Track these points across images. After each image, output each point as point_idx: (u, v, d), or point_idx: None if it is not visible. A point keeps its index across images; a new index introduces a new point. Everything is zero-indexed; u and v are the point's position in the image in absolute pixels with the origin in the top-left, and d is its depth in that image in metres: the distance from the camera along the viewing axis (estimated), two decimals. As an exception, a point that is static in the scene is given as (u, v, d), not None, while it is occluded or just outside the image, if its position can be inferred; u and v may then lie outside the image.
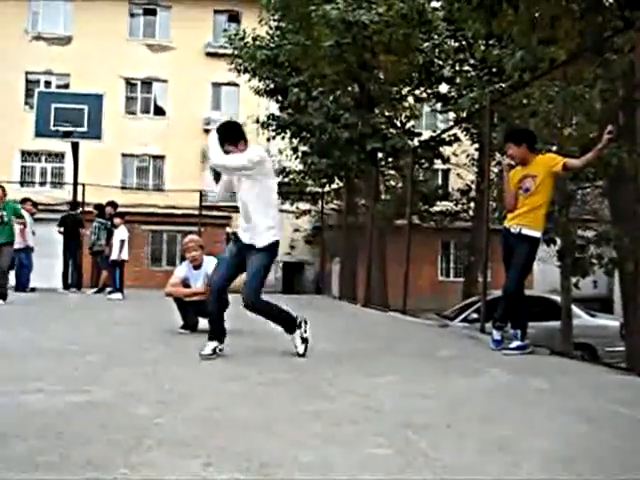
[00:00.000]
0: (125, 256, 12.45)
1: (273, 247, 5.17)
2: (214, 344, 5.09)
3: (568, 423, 3.30)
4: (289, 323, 5.25)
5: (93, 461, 2.44)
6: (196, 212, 23.05)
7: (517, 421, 3.29)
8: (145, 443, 2.68)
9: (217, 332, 5.16)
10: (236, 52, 18.64)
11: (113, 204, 13.63)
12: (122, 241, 12.34)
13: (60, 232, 14.02)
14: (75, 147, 15.73)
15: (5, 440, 2.69)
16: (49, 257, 14.36)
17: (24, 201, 13.71)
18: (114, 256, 12.39)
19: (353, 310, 12.28)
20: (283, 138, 19.08)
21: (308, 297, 16.74)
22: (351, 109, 16.38)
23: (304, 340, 5.17)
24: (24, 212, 12.52)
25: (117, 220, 12.73)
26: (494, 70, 13.96)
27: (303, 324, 5.24)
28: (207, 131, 27.63)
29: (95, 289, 13.54)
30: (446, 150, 19.76)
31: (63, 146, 19.44)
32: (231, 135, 5.17)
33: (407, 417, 3.26)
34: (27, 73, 26.98)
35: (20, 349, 5.32)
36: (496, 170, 11.95)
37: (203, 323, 6.80)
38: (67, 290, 13.77)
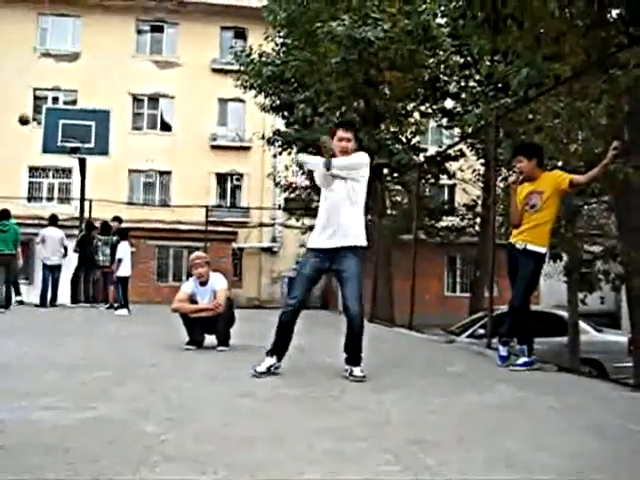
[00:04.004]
0: (124, 272, 12.47)
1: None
2: (271, 361, 5.03)
3: (577, 439, 3.29)
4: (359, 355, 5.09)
5: (101, 477, 2.44)
6: (202, 227, 23.13)
7: (525, 437, 3.28)
8: (153, 459, 2.68)
9: (276, 348, 5.09)
10: (242, 68, 18.75)
11: (118, 219, 13.74)
12: (119, 260, 12.40)
13: (76, 251, 14.20)
14: (82, 163, 15.82)
15: (14, 456, 2.70)
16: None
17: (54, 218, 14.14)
18: (116, 273, 12.50)
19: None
20: (289, 154, 19.15)
21: (314, 312, 16.71)
22: (357, 125, 16.44)
23: (364, 373, 4.96)
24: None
25: (116, 237, 12.94)
26: (500, 86, 13.99)
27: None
28: (213, 147, 27.86)
29: (107, 305, 13.58)
30: (452, 165, 19.82)
31: (70, 162, 19.54)
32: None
33: (415, 433, 3.25)
34: (35, 89, 27.17)
35: (29, 364, 5.33)
36: (502, 185, 11.97)
37: (209, 339, 6.81)
38: (75, 305, 13.87)
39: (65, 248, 14.04)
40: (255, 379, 4.81)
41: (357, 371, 4.96)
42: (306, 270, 5.12)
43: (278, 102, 18.82)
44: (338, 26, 14.21)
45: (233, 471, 2.56)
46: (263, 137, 20.07)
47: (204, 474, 2.50)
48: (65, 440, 2.95)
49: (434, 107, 19.13)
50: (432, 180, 20.09)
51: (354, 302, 4.98)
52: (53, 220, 14.18)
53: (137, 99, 28.19)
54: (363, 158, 5.16)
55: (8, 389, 4.20)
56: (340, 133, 5.16)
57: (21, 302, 13.87)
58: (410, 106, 18.25)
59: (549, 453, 2.95)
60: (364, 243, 5.11)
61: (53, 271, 13.86)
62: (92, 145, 15.50)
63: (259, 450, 2.88)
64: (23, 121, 14.73)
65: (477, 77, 16.87)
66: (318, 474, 2.54)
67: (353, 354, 5.05)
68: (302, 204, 21.18)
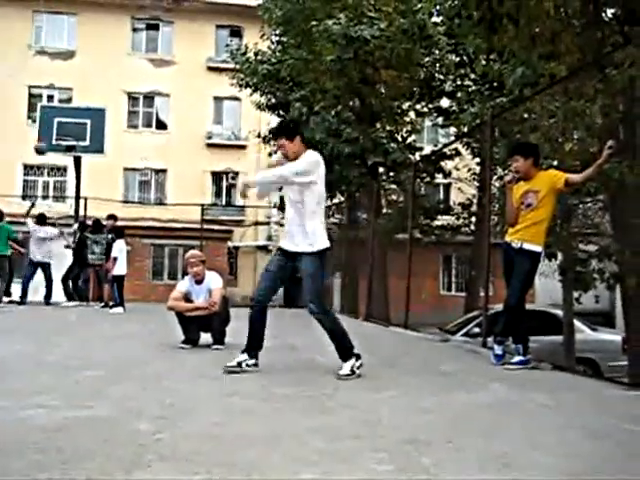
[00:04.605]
0: (119, 271, 12.43)
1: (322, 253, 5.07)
2: (242, 357, 5.08)
3: (571, 439, 3.29)
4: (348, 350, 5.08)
5: (94, 477, 2.43)
6: (197, 226, 23.10)
7: (519, 437, 3.28)
8: (146, 458, 2.67)
9: (248, 346, 5.13)
10: (238, 67, 18.74)
11: (113, 217, 13.69)
12: (114, 258, 12.38)
13: (69, 246, 14.12)
14: (77, 161, 15.76)
15: (5, 455, 2.68)
16: (53, 271, 14.36)
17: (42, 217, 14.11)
18: (112, 271, 12.47)
19: (354, 324, 12.23)
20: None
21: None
22: (352, 124, 16.43)
23: (352, 372, 4.95)
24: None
25: (111, 235, 12.92)
26: (495, 85, 14.00)
27: (359, 359, 5.06)
28: (209, 145, 27.84)
29: (102, 303, 13.51)
30: (447, 164, 19.81)
31: (65, 160, 19.52)
32: (286, 130, 5.16)
33: (409, 432, 3.25)
34: (30, 87, 27.10)
35: (22, 363, 5.31)
36: (497, 184, 11.96)
37: (205, 338, 6.81)
38: (70, 301, 13.79)
39: (68, 238, 14.01)
40: (247, 379, 4.81)
41: (344, 369, 4.96)
42: (270, 267, 5.18)
43: (274, 100, 18.81)
44: (334, 25, 14.20)
45: (227, 471, 2.55)
46: (259, 135, 20.05)
47: (197, 474, 2.49)
48: (58, 439, 2.94)
49: (430, 106, 19.12)
50: (427, 179, 20.11)
51: (309, 303, 5.01)
52: (41, 219, 14.09)
53: (132, 97, 28.13)
54: (303, 164, 5.00)
55: (0, 388, 4.18)
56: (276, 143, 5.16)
57: (11, 302, 13.77)
58: (406, 105, 18.24)
59: (544, 453, 2.95)
60: (312, 249, 5.01)
61: (44, 269, 13.80)
62: (87, 143, 15.44)
63: (253, 450, 2.87)
64: (39, 151, 14.48)
65: (473, 76, 16.86)
66: (313, 474, 2.54)
67: (337, 350, 5.10)
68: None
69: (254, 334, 5.12)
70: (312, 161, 5.03)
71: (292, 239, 5.08)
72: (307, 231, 5.01)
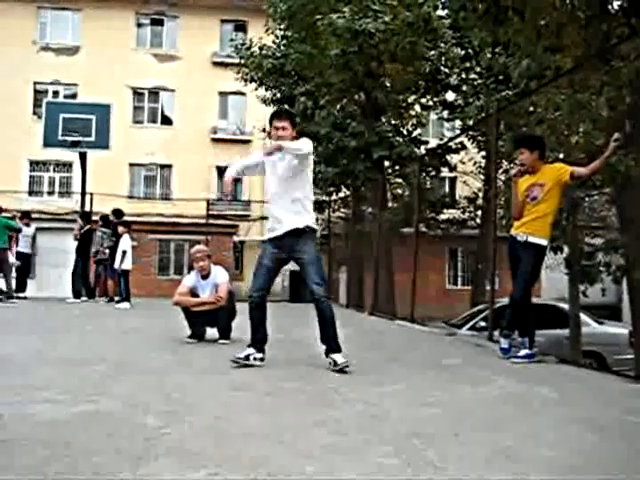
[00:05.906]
0: (127, 266, 12.44)
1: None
2: (249, 350, 5.12)
3: (576, 432, 3.29)
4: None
5: (100, 471, 2.44)
6: (203, 221, 23.15)
7: (525, 430, 3.28)
8: (152, 453, 2.68)
9: (254, 341, 5.18)
10: (243, 61, 18.73)
11: (116, 212, 13.67)
12: (123, 252, 12.37)
13: (77, 239, 14.16)
14: (83, 157, 15.79)
15: (13, 450, 2.70)
16: (59, 266, 14.40)
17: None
18: (116, 266, 12.45)
19: (360, 318, 12.26)
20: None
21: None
22: (358, 118, 16.41)
23: (344, 365, 4.96)
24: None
25: (120, 229, 12.80)
26: (500, 78, 13.96)
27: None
28: (214, 140, 27.85)
29: (107, 298, 13.53)
30: (453, 158, 19.78)
31: (71, 156, 19.53)
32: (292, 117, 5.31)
33: (414, 426, 3.25)
34: (35, 83, 27.16)
35: (28, 358, 5.33)
36: (503, 178, 11.95)
37: (211, 333, 6.82)
38: (78, 299, 13.79)
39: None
40: (253, 373, 4.82)
41: (339, 359, 4.99)
42: (263, 261, 5.27)
43: (279, 95, 18.79)
44: (338, 18, 14.16)
45: (233, 466, 2.55)
46: (264, 130, 20.03)
47: (204, 468, 2.49)
48: (64, 434, 2.95)
49: (435, 99, 19.08)
50: (433, 173, 20.08)
51: (313, 285, 5.10)
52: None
53: (137, 93, 28.18)
54: (308, 145, 5.13)
55: (6, 384, 4.19)
56: (274, 122, 5.20)
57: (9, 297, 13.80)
58: (411, 98, 18.21)
59: (549, 446, 2.95)
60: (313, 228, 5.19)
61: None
62: (93, 139, 15.46)
63: (259, 444, 2.88)
64: None
65: (478, 69, 16.82)
66: (318, 468, 2.54)
67: (331, 341, 5.13)
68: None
69: (257, 331, 5.19)
70: (310, 146, 5.17)
71: (287, 222, 5.11)
72: (305, 212, 5.13)
